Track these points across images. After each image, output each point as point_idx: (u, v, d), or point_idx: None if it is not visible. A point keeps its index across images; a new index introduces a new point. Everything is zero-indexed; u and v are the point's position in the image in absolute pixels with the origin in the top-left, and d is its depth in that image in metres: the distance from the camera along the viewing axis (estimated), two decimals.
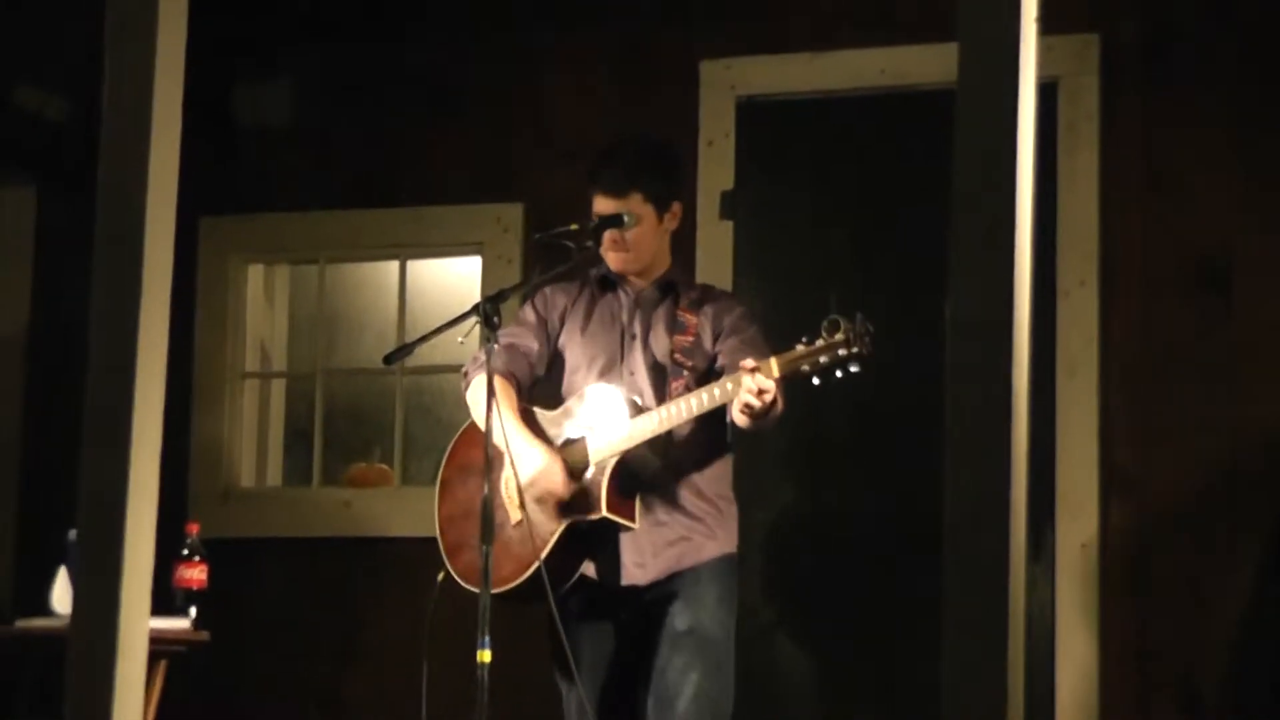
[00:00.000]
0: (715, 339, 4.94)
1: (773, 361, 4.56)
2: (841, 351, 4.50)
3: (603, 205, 4.96)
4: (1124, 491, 5.92)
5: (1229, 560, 5.80)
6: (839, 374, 4.53)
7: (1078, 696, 5.86)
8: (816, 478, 6.31)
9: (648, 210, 4.96)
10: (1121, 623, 5.88)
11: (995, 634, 1.50)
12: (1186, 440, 5.88)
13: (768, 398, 4.54)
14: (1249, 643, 5.78)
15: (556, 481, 4.82)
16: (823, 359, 4.53)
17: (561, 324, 5.08)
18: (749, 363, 4.57)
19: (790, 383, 4.64)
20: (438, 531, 5.01)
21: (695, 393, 4.73)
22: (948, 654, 1.50)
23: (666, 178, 5.04)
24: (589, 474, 4.83)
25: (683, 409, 4.73)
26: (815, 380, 4.55)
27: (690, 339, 4.92)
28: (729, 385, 4.66)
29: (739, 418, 4.66)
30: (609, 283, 5.07)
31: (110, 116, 1.75)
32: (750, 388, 4.52)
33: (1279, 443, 5.78)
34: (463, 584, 4.91)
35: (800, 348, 4.55)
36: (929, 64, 6.08)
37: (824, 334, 4.54)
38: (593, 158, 5.10)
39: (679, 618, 4.83)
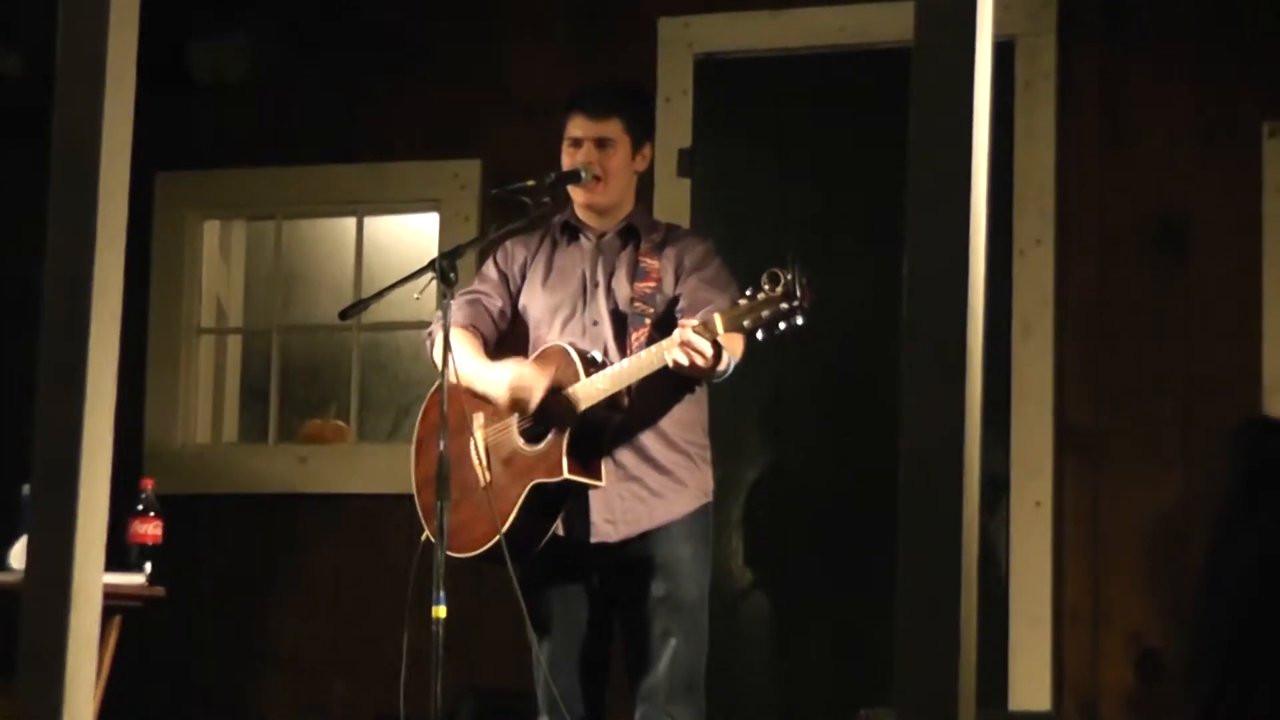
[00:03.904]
0: (677, 280, 4.92)
1: (717, 319, 4.52)
2: (783, 305, 4.45)
3: (581, 128, 4.98)
4: (1079, 450, 5.95)
5: (1184, 519, 5.83)
6: (782, 326, 4.49)
7: (1031, 655, 5.89)
8: (780, 434, 6.32)
9: (624, 140, 4.99)
10: (1076, 581, 5.91)
11: (948, 591, 1.50)
12: (1142, 399, 5.90)
13: (700, 360, 4.52)
14: (1206, 602, 5.80)
15: (531, 387, 4.79)
16: (764, 313, 4.46)
17: (522, 277, 5.07)
18: (691, 321, 4.56)
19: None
20: (414, 491, 4.97)
21: (646, 350, 4.69)
22: (901, 611, 1.51)
23: (644, 117, 5.14)
24: (550, 436, 4.81)
25: (632, 368, 4.71)
26: (759, 336, 4.51)
27: (652, 284, 4.90)
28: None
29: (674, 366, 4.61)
30: (571, 230, 5.06)
31: (64, 69, 1.74)
32: (686, 341, 4.50)
33: (1234, 402, 5.80)
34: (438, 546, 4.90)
35: (743, 302, 4.51)
36: (888, 21, 6.08)
37: (764, 288, 4.49)
38: (573, 92, 5.15)
39: (656, 583, 4.83)
